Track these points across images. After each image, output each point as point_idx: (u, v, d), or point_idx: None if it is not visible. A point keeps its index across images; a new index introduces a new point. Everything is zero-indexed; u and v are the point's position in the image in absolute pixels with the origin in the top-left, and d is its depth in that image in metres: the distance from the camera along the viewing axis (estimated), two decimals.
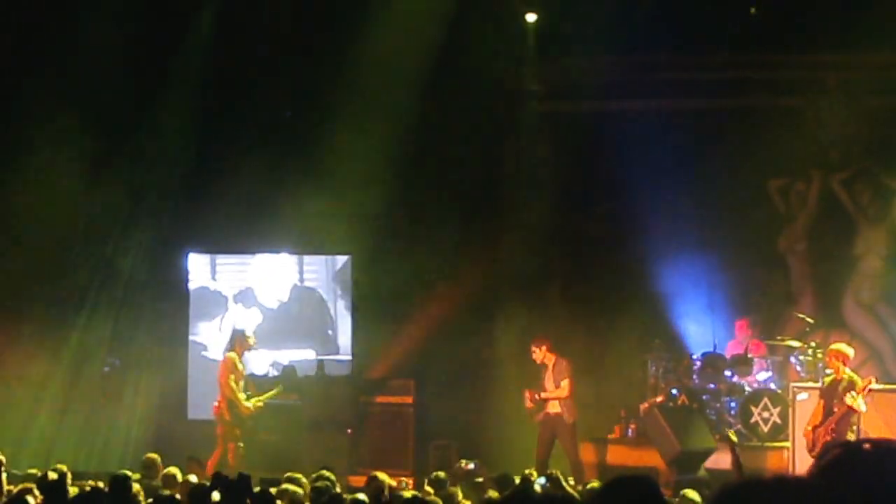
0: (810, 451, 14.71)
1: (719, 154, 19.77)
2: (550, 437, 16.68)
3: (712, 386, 18.13)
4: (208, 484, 10.98)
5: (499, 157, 20.68)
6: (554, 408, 16.69)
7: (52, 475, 12.57)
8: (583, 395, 17.22)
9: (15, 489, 11.60)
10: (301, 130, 19.80)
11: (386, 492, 11.70)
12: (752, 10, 19.60)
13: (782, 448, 16.94)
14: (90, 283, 19.52)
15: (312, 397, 18.40)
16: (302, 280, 20.17)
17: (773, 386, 17.97)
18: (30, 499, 10.69)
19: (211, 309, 20.06)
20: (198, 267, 20.19)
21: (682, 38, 19.03)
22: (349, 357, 19.81)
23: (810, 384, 16.57)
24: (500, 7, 19.61)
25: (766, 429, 17.45)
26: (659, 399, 17.73)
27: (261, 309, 19.94)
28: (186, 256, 20.08)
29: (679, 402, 17.75)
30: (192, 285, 20.10)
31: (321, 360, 19.44)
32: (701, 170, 19.73)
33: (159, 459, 13.95)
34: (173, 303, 19.98)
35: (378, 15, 19.81)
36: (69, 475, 13.02)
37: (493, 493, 12.27)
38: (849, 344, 16.18)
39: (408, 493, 11.80)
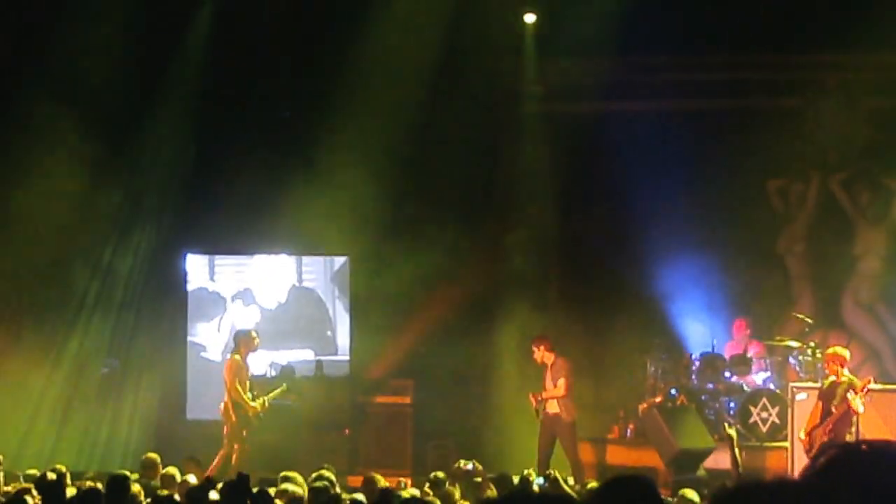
0: (807, 452, 14.72)
1: (718, 155, 19.78)
2: (550, 437, 16.69)
3: (711, 386, 18.14)
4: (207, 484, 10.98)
5: (498, 158, 20.68)
6: (553, 408, 16.71)
7: (51, 476, 12.58)
8: (582, 396, 17.23)
9: (13, 489, 11.61)
10: (299, 131, 19.79)
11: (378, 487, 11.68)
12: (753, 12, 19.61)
13: (781, 448, 16.94)
14: (89, 284, 19.51)
15: (311, 398, 18.40)
16: (300, 281, 20.16)
17: (771, 386, 17.99)
18: (28, 499, 10.70)
19: (209, 310, 20.05)
20: (196, 268, 20.19)
21: (681, 38, 19.02)
22: (347, 357, 19.81)
23: (809, 384, 16.58)
24: (499, 8, 19.59)
25: (764, 429, 17.47)
26: (658, 399, 17.74)
27: (259, 309, 19.93)
28: (185, 257, 20.07)
29: (678, 402, 17.75)
30: (190, 286, 20.09)
31: (319, 361, 19.44)
32: (700, 170, 19.73)
33: (159, 459, 13.95)
34: (172, 304, 19.97)
35: (377, 15, 19.81)
36: (68, 475, 13.04)
37: (491, 493, 12.29)
38: (846, 345, 16.20)
39: (406, 494, 11.80)
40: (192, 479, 12.78)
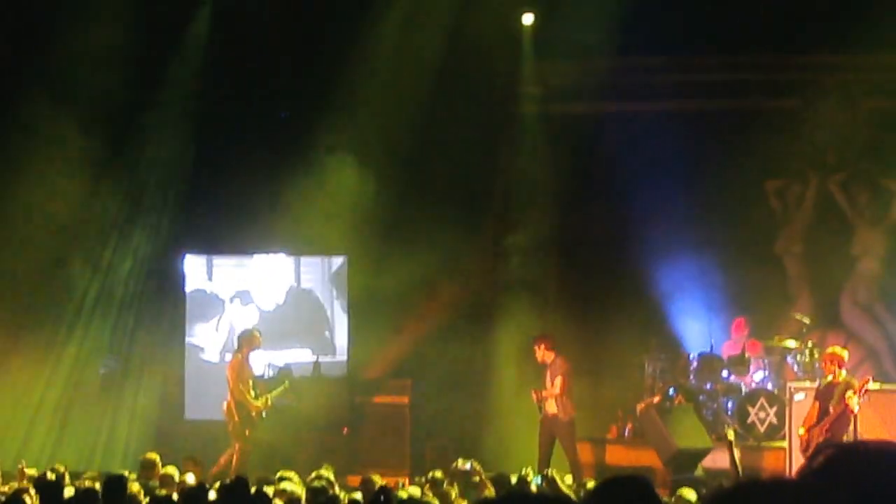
0: (804, 452, 14.74)
1: (717, 155, 19.79)
2: (549, 436, 16.71)
3: (709, 386, 18.15)
4: (206, 485, 11.00)
5: (496, 159, 20.67)
6: (551, 407, 16.74)
7: (50, 476, 12.59)
8: (580, 395, 17.24)
9: (9, 490, 11.61)
10: (298, 132, 19.79)
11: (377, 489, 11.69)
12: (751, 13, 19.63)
13: (779, 448, 16.95)
14: (89, 285, 19.51)
15: (309, 398, 18.40)
16: (298, 281, 20.16)
17: (769, 386, 18.00)
18: (26, 498, 10.71)
19: (208, 310, 20.05)
20: (194, 268, 20.19)
21: (679, 39, 19.04)
22: (345, 358, 19.81)
23: (807, 384, 16.59)
24: (498, 9, 19.59)
25: (762, 429, 17.48)
26: (656, 399, 17.74)
27: (257, 310, 19.93)
28: (183, 258, 20.08)
29: (676, 402, 17.76)
30: (188, 287, 20.10)
31: (318, 361, 19.44)
32: (698, 171, 19.73)
33: (158, 459, 13.96)
34: (170, 304, 19.97)
35: (376, 16, 19.84)
36: (67, 475, 13.05)
37: (489, 493, 12.30)
38: (844, 345, 16.21)
39: (404, 494, 11.81)
40: (191, 478, 12.79)
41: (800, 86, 20.04)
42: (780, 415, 17.17)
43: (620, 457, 17.92)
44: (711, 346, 18.55)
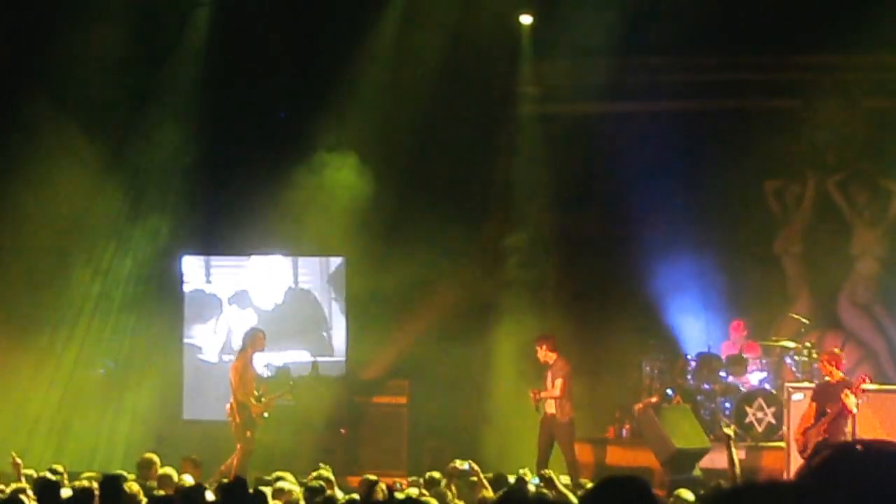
0: (801, 452, 14.74)
1: (715, 156, 19.79)
2: (549, 437, 16.69)
3: (707, 386, 18.15)
4: (204, 485, 10.99)
5: (495, 159, 20.68)
6: (550, 408, 16.72)
7: (48, 476, 12.58)
8: (578, 396, 17.23)
9: (8, 490, 11.61)
10: (296, 132, 19.79)
11: (380, 495, 11.69)
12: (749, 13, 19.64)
13: (777, 448, 16.96)
14: (88, 286, 19.51)
15: (307, 398, 18.40)
16: (296, 282, 20.16)
17: (767, 386, 18.00)
18: (24, 498, 10.71)
19: (206, 311, 20.06)
20: (192, 269, 20.19)
21: (677, 39, 19.03)
22: (343, 358, 19.81)
23: (805, 384, 16.59)
24: (496, 9, 19.59)
25: (760, 429, 17.48)
26: (654, 399, 17.72)
27: (255, 311, 19.93)
28: (181, 259, 20.08)
29: (674, 402, 17.77)
30: (186, 288, 20.10)
31: (315, 362, 19.45)
32: (697, 171, 19.74)
33: (156, 459, 13.96)
34: (168, 305, 19.98)
35: (374, 17, 19.85)
36: (65, 475, 13.05)
37: (487, 493, 12.30)
38: (842, 346, 16.22)
39: (401, 495, 11.80)
40: (189, 479, 12.78)
41: (799, 86, 20.03)
42: (778, 415, 17.18)
43: (618, 457, 17.92)
44: (709, 347, 18.55)
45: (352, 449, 18.66)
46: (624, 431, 18.38)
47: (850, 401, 14.54)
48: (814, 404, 15.00)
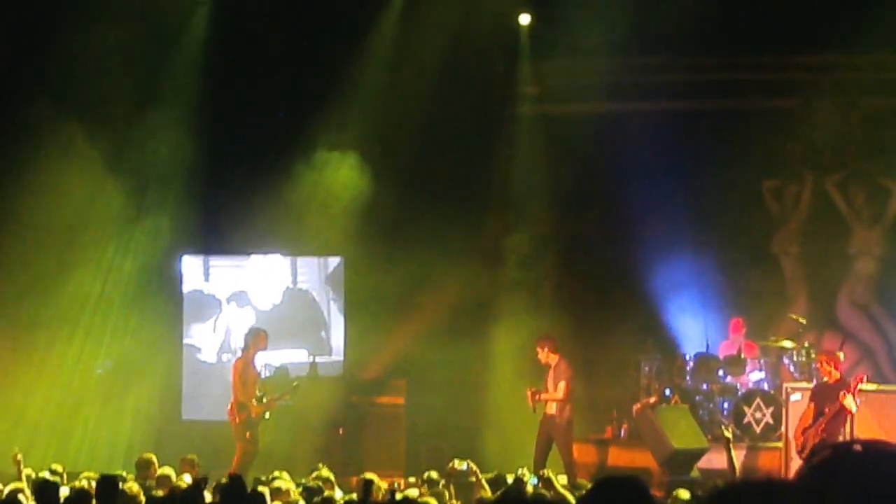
0: (800, 452, 14.74)
1: (713, 156, 19.80)
2: (547, 437, 16.66)
3: (705, 386, 18.14)
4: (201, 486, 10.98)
5: (493, 160, 20.68)
6: (550, 408, 16.68)
7: (47, 476, 12.59)
8: (576, 396, 17.21)
9: (6, 490, 11.62)
10: (294, 132, 19.78)
11: (379, 495, 11.69)
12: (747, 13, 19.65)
13: (775, 448, 16.96)
14: (88, 286, 19.50)
15: (305, 398, 18.39)
16: (295, 282, 20.15)
17: (765, 386, 17.99)
18: (22, 498, 10.72)
19: (204, 311, 20.05)
20: (191, 269, 20.18)
21: (675, 39, 19.03)
22: (341, 358, 19.81)
23: (803, 385, 16.60)
24: (495, 9, 19.59)
25: (758, 429, 17.46)
26: (652, 399, 17.72)
27: (254, 311, 19.93)
28: (180, 259, 20.08)
29: (672, 402, 17.76)
30: (185, 288, 20.10)
31: (314, 362, 19.44)
32: (695, 171, 19.75)
33: (154, 459, 13.96)
34: (167, 305, 19.97)
35: (374, 17, 19.86)
36: (65, 475, 13.06)
37: (485, 493, 12.30)
38: (841, 346, 16.21)
39: (399, 495, 11.81)
40: (188, 479, 12.78)
41: (797, 86, 20.03)
42: (777, 415, 17.17)
43: (616, 457, 17.89)
44: (707, 347, 18.54)
45: (350, 449, 18.65)
46: (622, 431, 18.36)
47: (849, 401, 14.54)
48: (812, 404, 15.00)
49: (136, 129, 19.55)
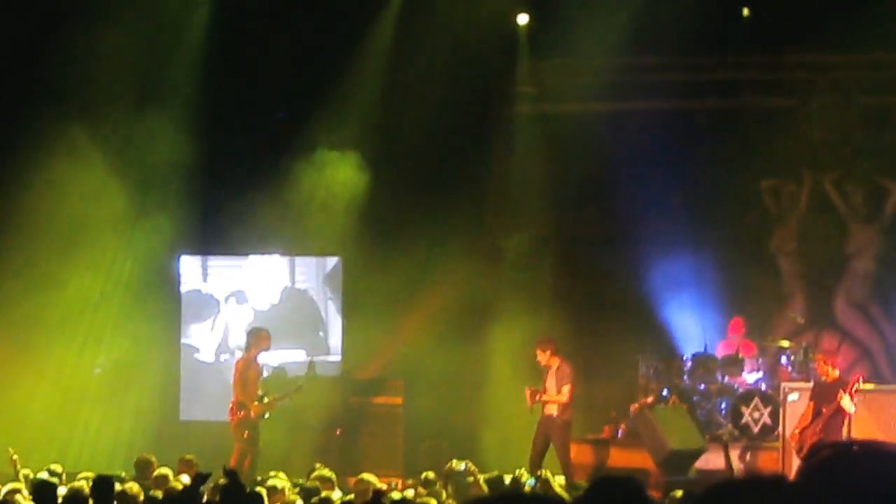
0: (798, 452, 14.74)
1: (711, 155, 19.82)
2: (545, 438, 16.62)
3: (703, 387, 18.13)
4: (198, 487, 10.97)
5: (491, 159, 20.68)
6: (549, 410, 16.62)
7: (45, 476, 12.59)
8: (574, 396, 17.21)
9: (3, 490, 11.61)
10: (293, 132, 19.77)
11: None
12: (746, 13, 19.62)
13: (772, 449, 16.95)
14: (87, 286, 19.49)
15: (302, 398, 18.37)
16: (293, 282, 20.15)
17: (763, 386, 17.98)
18: (19, 498, 10.71)
19: (203, 311, 20.04)
20: (189, 269, 20.17)
21: (673, 39, 19.02)
22: (339, 358, 19.80)
23: (801, 384, 16.59)
24: (493, 9, 19.58)
25: (756, 429, 17.46)
26: (649, 399, 17.72)
27: (252, 310, 19.92)
28: (179, 259, 20.07)
29: (669, 402, 17.75)
30: (184, 288, 20.09)
31: (311, 362, 19.43)
32: (692, 171, 19.77)
33: (154, 460, 13.95)
34: (166, 305, 19.96)
35: (372, 18, 19.86)
36: (64, 476, 13.05)
37: (483, 494, 12.30)
38: (838, 345, 16.21)
39: (397, 495, 11.81)
40: (186, 479, 12.77)
41: (794, 85, 20.04)
42: (775, 415, 17.17)
43: (614, 458, 17.86)
44: (705, 347, 18.53)
45: (347, 449, 18.62)
46: (619, 432, 18.33)
47: (846, 402, 14.54)
48: (811, 404, 15.01)
49: (136, 129, 19.53)
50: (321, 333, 20.01)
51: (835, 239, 19.92)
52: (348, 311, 19.89)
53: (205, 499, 10.61)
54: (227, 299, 20.06)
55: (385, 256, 19.20)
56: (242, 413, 16.44)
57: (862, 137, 19.93)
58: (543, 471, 13.84)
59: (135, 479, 12.76)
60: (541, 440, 16.61)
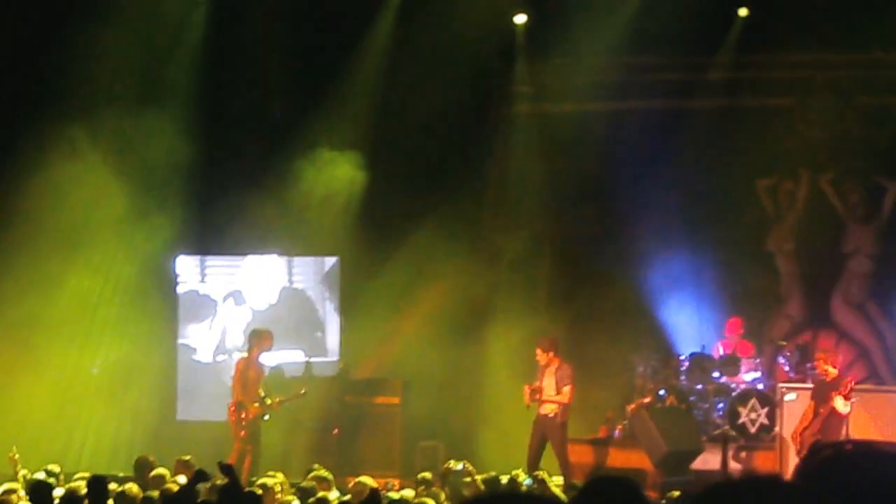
0: (799, 453, 14.74)
1: (708, 154, 19.81)
2: (541, 438, 16.62)
3: (700, 387, 18.12)
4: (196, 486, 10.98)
5: (489, 159, 20.69)
6: (546, 410, 16.59)
7: (42, 476, 12.58)
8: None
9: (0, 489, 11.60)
10: (291, 132, 19.78)
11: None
12: (744, 12, 19.62)
13: (770, 449, 16.95)
14: (85, 286, 19.49)
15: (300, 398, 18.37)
16: (291, 282, 20.15)
17: (760, 386, 17.98)
18: (14, 499, 10.70)
19: (200, 312, 20.04)
20: (187, 270, 20.17)
21: (671, 38, 19.03)
22: (337, 358, 19.79)
23: (798, 385, 16.59)
24: (491, 9, 19.58)
25: (753, 429, 17.45)
26: (646, 400, 17.71)
27: (250, 311, 19.91)
28: (176, 259, 20.06)
29: (667, 402, 17.74)
30: (181, 288, 20.08)
31: (309, 362, 19.42)
32: (690, 170, 19.76)
33: (153, 460, 13.94)
34: (163, 306, 19.96)
35: (368, 17, 19.86)
36: (62, 476, 13.05)
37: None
38: (836, 344, 16.21)
39: (395, 495, 11.81)
40: (183, 480, 12.76)
41: (791, 84, 20.04)
42: (772, 415, 17.17)
43: (611, 458, 17.85)
44: (703, 347, 18.53)
45: (345, 449, 18.60)
46: (616, 432, 18.31)
47: (839, 403, 14.54)
48: (812, 403, 15.03)
49: (134, 129, 19.52)
50: (319, 334, 20.00)
51: (832, 238, 19.92)
52: (346, 311, 19.90)
53: (201, 498, 10.61)
54: (224, 300, 20.06)
55: (383, 256, 19.21)
56: (242, 413, 16.44)
57: (859, 136, 19.92)
58: (540, 471, 13.83)
59: (134, 480, 12.76)
60: (537, 440, 16.60)
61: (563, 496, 11.59)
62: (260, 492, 10.82)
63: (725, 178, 19.72)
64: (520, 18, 20.27)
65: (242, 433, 16.45)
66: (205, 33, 19.86)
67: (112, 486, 11.65)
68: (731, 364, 18.18)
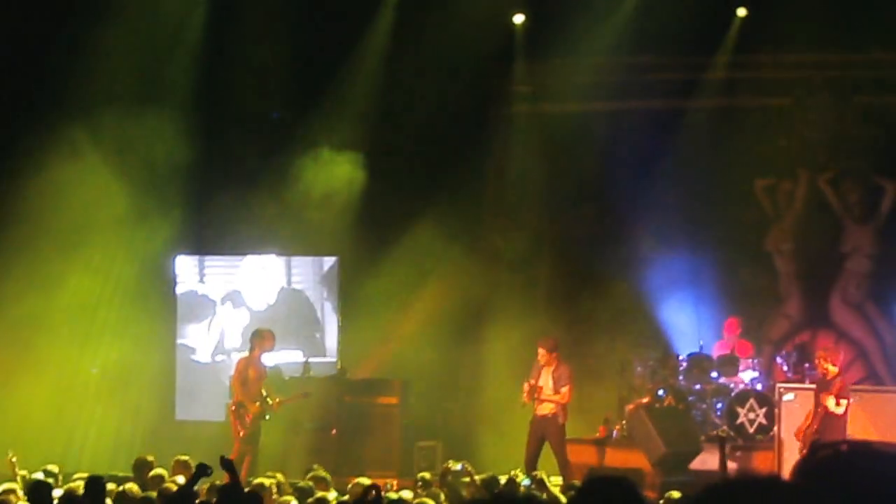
0: (801, 451, 14.74)
1: (706, 154, 19.81)
2: (539, 438, 16.61)
3: (698, 387, 18.12)
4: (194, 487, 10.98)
5: (488, 159, 20.69)
6: (544, 409, 16.57)
7: (41, 476, 12.59)
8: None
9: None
10: (289, 132, 19.79)
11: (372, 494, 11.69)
12: (742, 12, 19.63)
13: (768, 449, 16.95)
14: (84, 286, 19.49)
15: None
16: (289, 282, 20.14)
17: (759, 386, 17.98)
18: (13, 499, 10.71)
19: (199, 312, 20.03)
20: (186, 270, 20.17)
21: (669, 38, 19.03)
22: (335, 358, 19.79)
23: (797, 384, 16.59)
24: (489, 9, 19.58)
25: (751, 430, 17.45)
26: (645, 400, 17.71)
27: (248, 311, 19.91)
28: (175, 260, 20.06)
29: (665, 402, 17.74)
30: (180, 289, 20.08)
31: (307, 362, 19.40)
32: (688, 170, 19.75)
33: (152, 460, 13.94)
34: (162, 306, 19.95)
35: (368, 17, 19.87)
36: (61, 476, 13.05)
37: (479, 495, 12.30)
38: (835, 344, 16.20)
39: (394, 495, 11.81)
40: (181, 480, 12.76)
41: (789, 84, 20.05)
42: (770, 415, 17.17)
43: (609, 458, 17.83)
44: (701, 347, 18.53)
45: (344, 450, 18.59)
46: (615, 432, 18.30)
47: (830, 402, 14.54)
48: (814, 402, 15.02)
49: (135, 129, 19.51)
50: (317, 334, 20.00)
51: (831, 238, 19.92)
52: (345, 312, 19.89)
53: (201, 499, 10.61)
54: (223, 300, 20.05)
55: (382, 256, 19.21)
56: (241, 412, 16.45)
57: (857, 136, 19.93)
58: (539, 471, 13.83)
59: (133, 480, 12.76)
60: (535, 440, 16.58)
61: (561, 497, 11.60)
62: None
63: (725, 178, 19.73)
64: (519, 18, 20.28)
65: (242, 433, 16.45)
66: (204, 33, 19.86)
67: (111, 486, 11.66)
68: (729, 364, 18.19)
